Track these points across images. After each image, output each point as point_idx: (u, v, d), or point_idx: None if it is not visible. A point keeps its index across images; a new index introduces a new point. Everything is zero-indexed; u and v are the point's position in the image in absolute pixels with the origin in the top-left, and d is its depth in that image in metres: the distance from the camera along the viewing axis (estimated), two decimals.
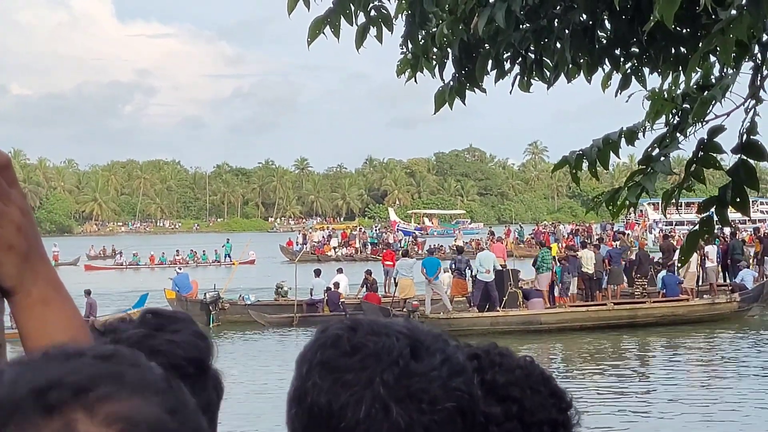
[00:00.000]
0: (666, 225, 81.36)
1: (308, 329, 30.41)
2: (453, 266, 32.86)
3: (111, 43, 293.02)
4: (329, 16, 5.36)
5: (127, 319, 1.93)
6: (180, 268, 40.36)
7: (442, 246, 71.77)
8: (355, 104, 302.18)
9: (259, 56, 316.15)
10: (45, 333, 1.24)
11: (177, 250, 74.97)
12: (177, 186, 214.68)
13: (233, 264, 50.32)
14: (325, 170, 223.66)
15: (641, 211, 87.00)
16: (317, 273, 34.28)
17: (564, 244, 48.86)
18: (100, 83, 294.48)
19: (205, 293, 33.30)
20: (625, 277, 33.68)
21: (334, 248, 77.08)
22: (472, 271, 31.29)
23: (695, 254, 30.33)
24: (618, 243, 41.77)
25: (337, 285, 33.26)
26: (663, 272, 32.37)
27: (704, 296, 32.09)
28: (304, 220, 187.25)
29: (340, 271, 36.31)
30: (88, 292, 31.02)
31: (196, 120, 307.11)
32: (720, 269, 35.88)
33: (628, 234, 59.90)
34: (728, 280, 35.47)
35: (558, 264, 31.93)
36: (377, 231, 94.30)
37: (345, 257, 70.56)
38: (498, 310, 28.84)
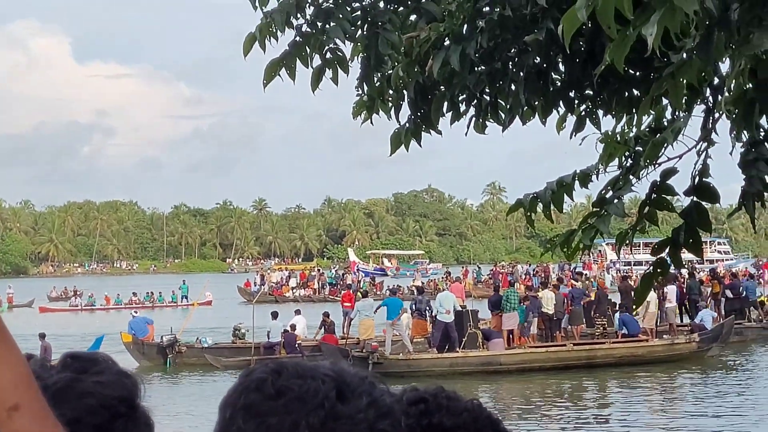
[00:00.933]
0: (624, 265, 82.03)
1: None
2: (414, 307, 32.79)
3: (69, 84, 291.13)
4: (285, 58, 5.38)
5: (47, 366, 1.93)
6: (136, 311, 40.03)
7: (400, 286, 71.80)
8: (313, 144, 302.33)
9: (217, 97, 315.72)
10: None
11: (133, 292, 74.27)
12: (134, 227, 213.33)
13: (192, 305, 49.99)
14: (284, 211, 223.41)
15: (600, 251, 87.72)
16: (274, 315, 34.13)
17: (522, 285, 49.02)
18: (59, 123, 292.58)
19: (161, 336, 33.01)
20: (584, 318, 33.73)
21: (293, 289, 76.81)
22: (432, 312, 31.25)
23: (654, 294, 30.55)
24: (580, 283, 41.91)
25: (293, 327, 33.10)
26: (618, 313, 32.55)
27: (663, 336, 32.16)
28: (262, 261, 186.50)
29: (297, 312, 36.18)
30: (42, 336, 30.59)
31: (154, 161, 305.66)
32: (677, 310, 36.00)
33: (586, 274, 60.28)
34: (685, 321, 35.66)
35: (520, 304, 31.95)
36: (336, 272, 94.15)
37: (303, 298, 70.29)
38: (458, 351, 28.79)
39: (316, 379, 1.43)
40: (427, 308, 32.23)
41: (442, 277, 73.19)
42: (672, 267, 4.64)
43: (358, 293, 38.63)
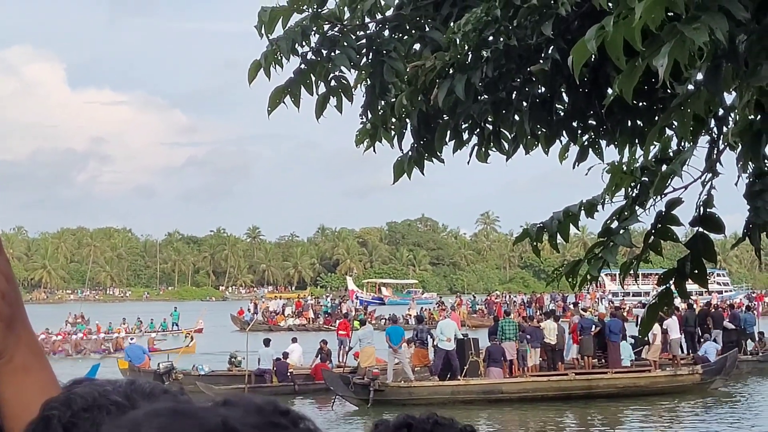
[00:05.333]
0: (612, 296, 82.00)
1: None
2: (415, 335, 32.69)
3: (64, 110, 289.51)
4: (290, 85, 5.39)
5: None
6: (132, 338, 39.93)
7: (396, 316, 71.73)
8: (307, 173, 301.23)
9: (212, 125, 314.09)
10: (23, 400, 1.23)
11: (123, 319, 73.88)
12: (127, 254, 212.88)
13: (182, 333, 49.72)
14: (277, 239, 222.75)
15: (599, 281, 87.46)
16: (266, 342, 34.04)
17: (517, 315, 48.71)
18: (56, 151, 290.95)
19: (158, 363, 32.88)
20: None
21: (287, 317, 76.60)
22: (433, 340, 31.16)
23: (658, 326, 30.35)
24: (586, 313, 41.53)
25: (285, 355, 32.97)
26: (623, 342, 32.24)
27: (666, 368, 31.91)
28: (255, 289, 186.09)
29: (294, 340, 36.08)
30: None
31: (149, 188, 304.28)
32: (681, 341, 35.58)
33: (579, 304, 60.14)
34: (686, 352, 35.37)
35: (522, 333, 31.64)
36: (333, 300, 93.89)
37: (297, 327, 70.00)
38: (459, 379, 28.69)
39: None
40: (428, 337, 32.14)
41: (435, 307, 73.20)
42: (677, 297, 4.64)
43: (356, 322, 38.49)
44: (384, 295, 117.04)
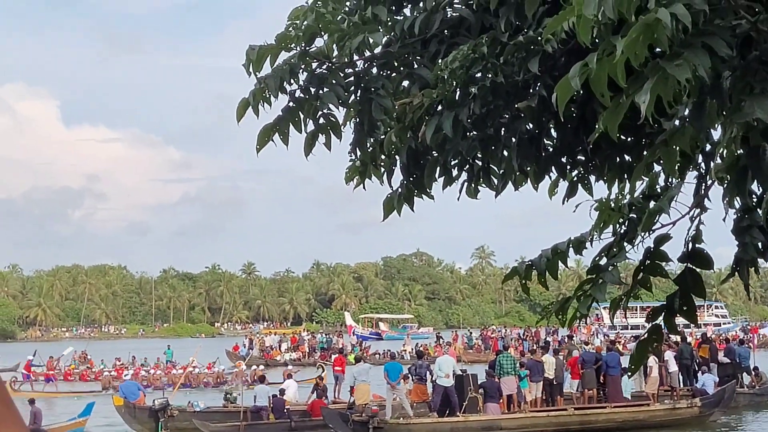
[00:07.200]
0: (609, 329, 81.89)
1: None
2: (414, 371, 32.61)
3: (59, 148, 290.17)
4: (278, 123, 5.39)
5: None
6: (127, 374, 39.80)
7: (393, 352, 71.77)
8: (302, 208, 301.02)
9: (206, 161, 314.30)
10: None
11: (117, 358, 73.66)
12: (122, 291, 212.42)
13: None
14: (272, 275, 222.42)
15: (597, 315, 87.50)
16: (262, 379, 33.89)
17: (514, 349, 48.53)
18: (51, 188, 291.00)
19: (153, 400, 32.75)
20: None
21: (283, 352, 76.83)
22: (432, 376, 31.00)
23: (655, 358, 30.37)
24: (588, 347, 41.43)
25: (282, 392, 32.84)
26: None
27: (665, 401, 31.86)
28: (250, 325, 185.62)
29: (289, 376, 35.95)
30: (32, 401, 30.30)
31: (143, 224, 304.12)
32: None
33: (573, 338, 59.97)
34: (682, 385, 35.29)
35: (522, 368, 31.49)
36: (328, 336, 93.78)
37: (293, 362, 69.95)
38: (458, 416, 28.57)
39: None
40: (427, 372, 32.00)
41: (433, 342, 73.12)
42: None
43: (349, 357, 38.33)
44: (381, 330, 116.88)
